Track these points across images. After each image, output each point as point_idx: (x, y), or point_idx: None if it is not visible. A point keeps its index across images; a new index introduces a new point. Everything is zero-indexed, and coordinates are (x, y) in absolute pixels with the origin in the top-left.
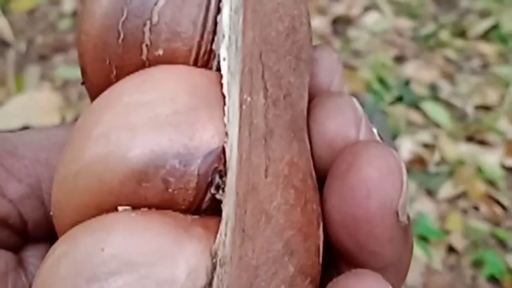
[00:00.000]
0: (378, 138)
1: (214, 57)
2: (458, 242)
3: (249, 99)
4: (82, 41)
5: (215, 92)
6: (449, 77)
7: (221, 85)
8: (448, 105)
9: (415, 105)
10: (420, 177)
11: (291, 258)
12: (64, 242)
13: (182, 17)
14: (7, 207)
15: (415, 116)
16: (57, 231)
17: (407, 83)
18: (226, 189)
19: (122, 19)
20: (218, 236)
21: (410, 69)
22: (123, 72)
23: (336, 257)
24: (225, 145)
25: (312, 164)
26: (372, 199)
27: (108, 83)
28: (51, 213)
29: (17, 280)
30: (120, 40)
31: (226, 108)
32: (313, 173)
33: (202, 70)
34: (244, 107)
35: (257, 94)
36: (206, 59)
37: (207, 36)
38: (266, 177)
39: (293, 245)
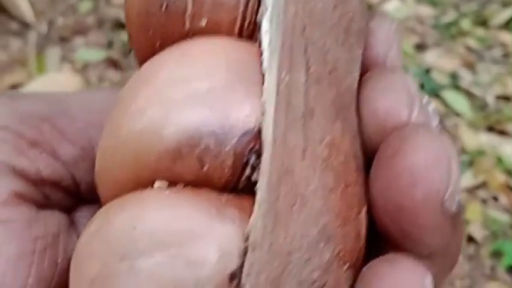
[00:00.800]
0: (434, 119)
1: (259, 29)
2: (478, 232)
3: (287, 77)
4: (127, 9)
5: (255, 68)
6: (470, 66)
7: (261, 61)
8: (469, 95)
9: (435, 94)
10: None
11: (327, 244)
12: (98, 218)
13: None
14: (60, 170)
15: (436, 105)
16: (101, 200)
17: (427, 71)
18: (260, 171)
19: (166, 2)
20: (251, 219)
21: (431, 57)
22: (167, 42)
23: (382, 240)
24: (262, 124)
25: (358, 144)
26: (417, 189)
27: (153, 52)
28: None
29: (68, 241)
30: (163, 9)
31: (264, 85)
32: (359, 153)
33: (244, 44)
34: (281, 86)
35: (297, 71)
36: (251, 31)
37: (251, 6)
38: (303, 159)
39: (330, 230)
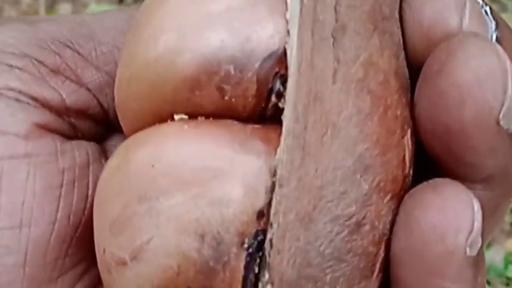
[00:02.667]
0: (491, 26)
1: None
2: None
3: None
4: None
5: None
6: None
7: None
8: None
9: None
10: None
11: (365, 174)
12: (118, 154)
13: None
14: (86, 97)
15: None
16: (124, 133)
17: None
18: (286, 98)
19: None
20: (278, 152)
21: None
22: None
23: (435, 164)
24: (286, 46)
25: (402, 59)
26: (466, 107)
27: None
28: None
29: (99, 172)
30: None
31: (288, 1)
32: (403, 69)
33: None
34: (305, 1)
35: None
36: None
37: None
38: (334, 83)
39: (367, 159)
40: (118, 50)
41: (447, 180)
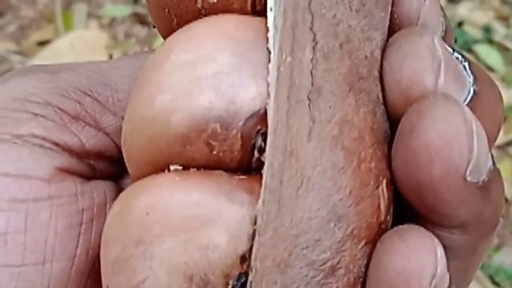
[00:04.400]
0: (468, 80)
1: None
2: (508, 190)
3: (289, 58)
4: None
5: (261, 48)
6: (504, 19)
7: (267, 39)
8: (502, 49)
9: (468, 49)
10: None
11: (339, 223)
12: (120, 201)
13: None
14: (104, 140)
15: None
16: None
17: (460, 24)
18: (265, 155)
19: None
20: (258, 203)
21: (463, 10)
22: (182, 20)
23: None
24: (267, 107)
25: (379, 115)
26: (435, 166)
27: (171, 30)
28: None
29: None
30: None
31: (270, 66)
32: (380, 124)
33: (253, 21)
34: (282, 68)
35: (302, 50)
36: (263, 6)
37: None
38: (309, 141)
39: (341, 209)
40: None
41: (412, 226)
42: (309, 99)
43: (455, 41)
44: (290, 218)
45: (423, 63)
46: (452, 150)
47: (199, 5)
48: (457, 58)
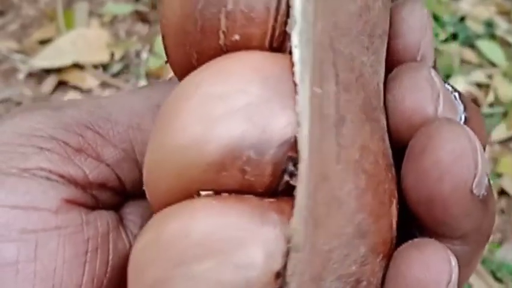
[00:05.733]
0: (459, 108)
1: (289, 39)
2: (510, 186)
3: (319, 91)
4: (163, 26)
5: (287, 81)
6: (507, 14)
7: (293, 73)
8: (504, 44)
9: (470, 43)
10: None
11: (362, 239)
12: (152, 227)
13: (255, 2)
14: (105, 171)
15: (469, 55)
16: (150, 205)
17: (462, 19)
18: (298, 178)
19: (199, 7)
20: (293, 223)
21: (465, 5)
22: (203, 57)
23: (414, 226)
24: (297, 135)
25: (386, 141)
26: (445, 182)
27: (190, 67)
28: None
29: (117, 238)
30: (198, 27)
31: (297, 97)
32: (388, 150)
33: (275, 56)
34: (314, 99)
35: (328, 83)
36: (280, 41)
37: (280, 19)
38: (338, 164)
39: (364, 227)
40: (132, 129)
41: (428, 240)
42: (335, 127)
43: (457, 36)
44: (324, 235)
45: (424, 95)
46: (460, 167)
47: (221, 41)
48: (448, 89)
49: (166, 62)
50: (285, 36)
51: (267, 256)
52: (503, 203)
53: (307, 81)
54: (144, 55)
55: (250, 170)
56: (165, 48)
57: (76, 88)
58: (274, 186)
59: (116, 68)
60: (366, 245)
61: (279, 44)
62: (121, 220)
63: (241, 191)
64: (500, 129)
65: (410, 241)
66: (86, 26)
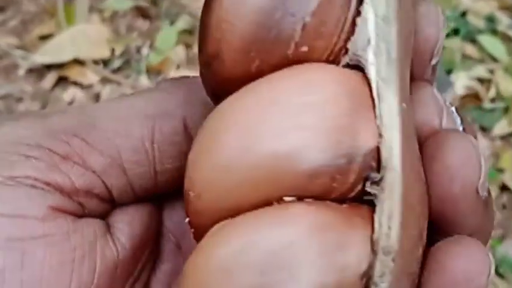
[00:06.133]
0: (457, 120)
1: (345, 53)
2: (511, 181)
3: (404, 105)
4: (222, 30)
5: (366, 95)
6: (508, 9)
7: (369, 87)
8: (506, 39)
9: (471, 39)
10: (474, 113)
11: (420, 241)
12: (233, 235)
13: (328, 18)
14: (91, 178)
15: (471, 50)
16: (195, 211)
17: (463, 14)
18: (384, 186)
19: (277, 17)
20: (376, 227)
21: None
22: (265, 64)
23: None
24: (380, 145)
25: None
26: (455, 183)
27: (247, 74)
28: (190, 196)
29: (104, 246)
30: (272, 36)
31: (377, 111)
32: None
33: (349, 71)
34: (402, 115)
35: (405, 100)
36: (337, 55)
37: (344, 35)
38: (411, 172)
39: (423, 229)
40: (119, 135)
41: (464, 236)
42: (410, 139)
43: (459, 31)
44: (406, 238)
45: (431, 109)
46: (468, 170)
47: (290, 51)
48: (448, 105)
49: (201, 75)
50: (341, 52)
51: (358, 257)
52: (504, 198)
53: (395, 96)
54: (145, 51)
55: (339, 178)
56: (215, 54)
57: (76, 84)
58: (349, 192)
59: (116, 63)
60: (422, 246)
61: (334, 58)
62: (108, 228)
63: (321, 197)
64: (502, 125)
65: (445, 239)
66: (86, 22)
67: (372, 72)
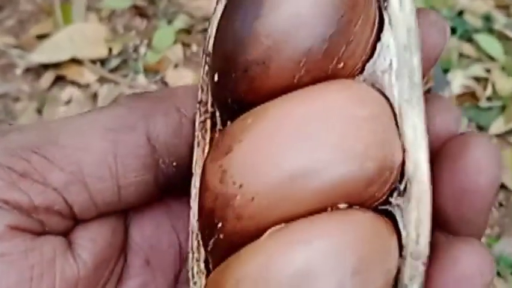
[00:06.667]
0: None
1: (360, 73)
2: (509, 180)
3: (426, 124)
4: (275, 38)
5: (391, 116)
6: (505, 8)
7: (391, 107)
8: (503, 38)
9: (468, 38)
10: (471, 112)
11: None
12: (312, 240)
13: (361, 39)
14: (51, 195)
15: (468, 49)
16: (243, 217)
17: (460, 13)
18: (410, 196)
19: (331, 33)
20: (404, 234)
21: None
22: (308, 75)
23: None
24: (406, 160)
25: None
26: (482, 175)
27: (289, 83)
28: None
29: (64, 263)
30: (323, 50)
31: (401, 128)
32: None
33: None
34: (425, 134)
35: (424, 120)
36: (354, 74)
37: (364, 57)
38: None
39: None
40: (79, 150)
41: (470, 237)
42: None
43: (456, 31)
44: (422, 239)
45: (449, 116)
46: (494, 165)
47: (331, 66)
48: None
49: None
50: (357, 71)
51: (394, 261)
52: (501, 196)
53: (419, 117)
54: (142, 50)
55: (382, 188)
56: (264, 57)
57: (73, 83)
58: (377, 202)
59: (114, 62)
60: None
61: (352, 76)
62: (69, 245)
63: (364, 205)
64: (499, 123)
65: (456, 237)
66: (83, 21)
67: (394, 93)
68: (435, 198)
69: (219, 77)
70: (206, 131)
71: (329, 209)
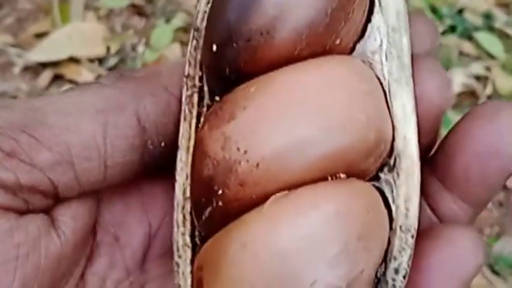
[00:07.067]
0: None
1: (350, 52)
2: (509, 179)
3: (414, 104)
4: (281, 9)
5: (381, 90)
6: (505, 6)
7: (383, 87)
8: (503, 36)
9: (468, 36)
10: None
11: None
12: (323, 204)
13: (357, 17)
14: (37, 175)
15: (468, 47)
16: (247, 182)
17: (460, 11)
18: (400, 171)
19: (333, 7)
20: (393, 208)
21: None
22: (308, 48)
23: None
24: (395, 136)
25: None
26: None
27: (289, 54)
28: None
29: (48, 242)
30: (324, 23)
31: (391, 105)
32: None
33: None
34: (414, 112)
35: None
36: (346, 52)
37: (356, 36)
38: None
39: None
40: (68, 131)
41: (468, 226)
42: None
43: (456, 29)
44: (411, 214)
45: (441, 81)
46: None
47: (330, 41)
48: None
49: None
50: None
51: (387, 234)
52: (501, 196)
53: (409, 98)
54: (140, 48)
55: (379, 160)
56: (269, 27)
57: (71, 82)
58: (368, 177)
59: (112, 61)
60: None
61: (347, 53)
62: (52, 221)
63: (355, 176)
64: None
65: (451, 223)
66: (82, 20)
67: (385, 73)
68: (456, 156)
69: (217, 47)
70: (193, 105)
71: (329, 178)
